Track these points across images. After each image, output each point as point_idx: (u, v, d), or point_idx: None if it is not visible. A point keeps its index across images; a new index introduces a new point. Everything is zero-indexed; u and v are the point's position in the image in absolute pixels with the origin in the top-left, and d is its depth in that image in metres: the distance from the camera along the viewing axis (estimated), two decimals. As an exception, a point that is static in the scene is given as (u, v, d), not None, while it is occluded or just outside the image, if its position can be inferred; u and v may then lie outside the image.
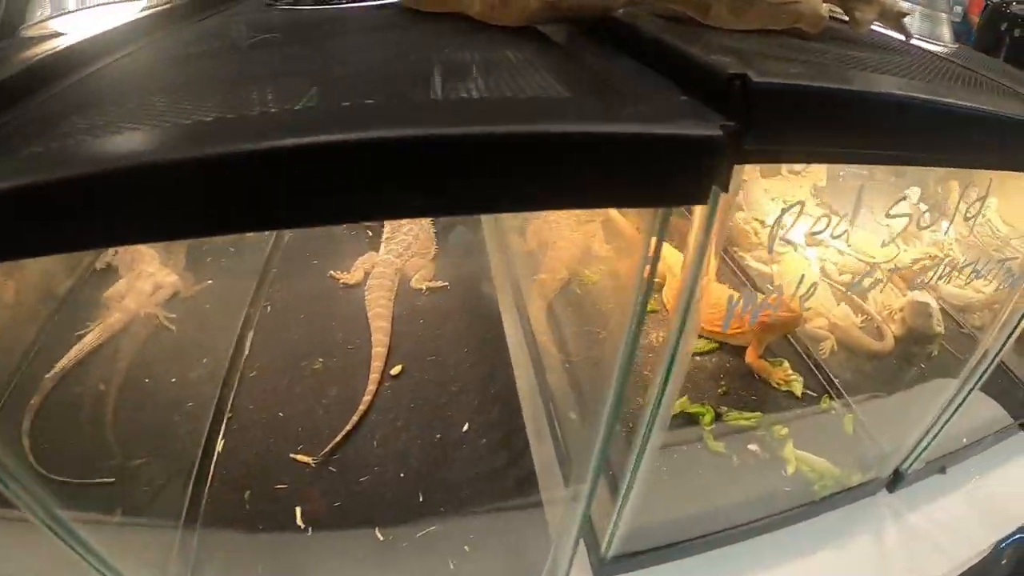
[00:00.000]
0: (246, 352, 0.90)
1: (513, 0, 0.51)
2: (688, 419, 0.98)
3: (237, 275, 1.05)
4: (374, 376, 0.78)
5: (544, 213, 1.07)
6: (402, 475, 0.72)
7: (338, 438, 0.74)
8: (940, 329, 1.13)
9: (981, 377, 0.85)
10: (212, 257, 1.05)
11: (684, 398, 1.01)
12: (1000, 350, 0.83)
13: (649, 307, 1.31)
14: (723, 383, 1.04)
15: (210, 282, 0.98)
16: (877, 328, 1.19)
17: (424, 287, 0.98)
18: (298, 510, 0.67)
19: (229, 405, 0.82)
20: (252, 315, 0.95)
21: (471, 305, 1.02)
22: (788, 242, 1.29)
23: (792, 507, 0.86)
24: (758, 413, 0.98)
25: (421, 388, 0.82)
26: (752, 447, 0.94)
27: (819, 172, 1.50)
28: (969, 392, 0.86)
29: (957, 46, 0.86)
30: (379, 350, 0.80)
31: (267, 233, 1.11)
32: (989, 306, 1.25)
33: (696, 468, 0.91)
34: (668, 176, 0.34)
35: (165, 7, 0.67)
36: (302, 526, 0.67)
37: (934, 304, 1.15)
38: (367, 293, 0.94)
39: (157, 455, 0.71)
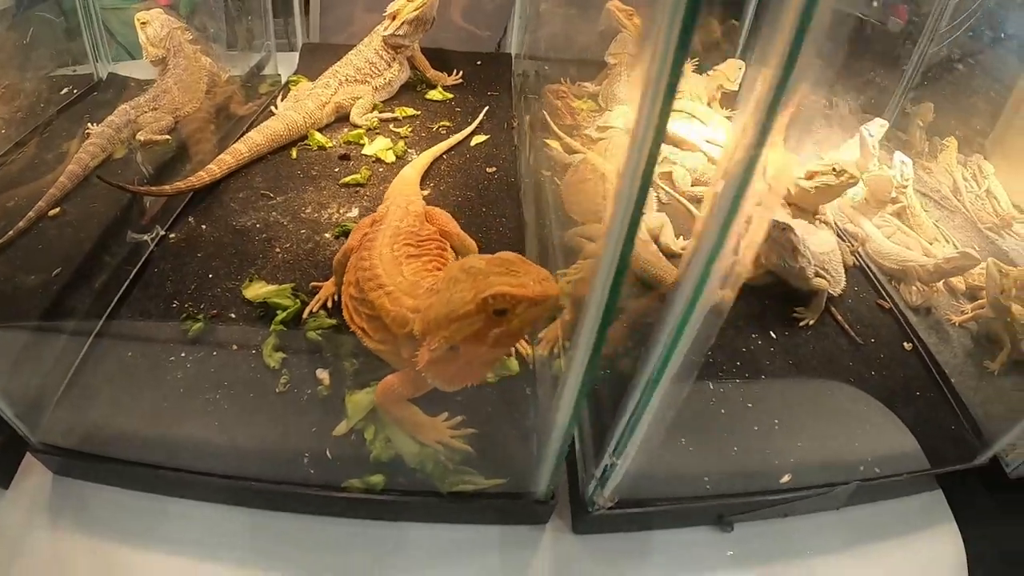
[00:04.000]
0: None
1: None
2: (268, 314, 0.62)
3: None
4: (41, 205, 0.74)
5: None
6: None
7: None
8: (807, 269, 0.70)
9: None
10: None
11: (288, 285, 0.64)
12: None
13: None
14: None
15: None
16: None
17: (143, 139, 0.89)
18: None
19: None
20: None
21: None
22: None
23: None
24: (333, 320, 0.61)
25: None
26: (322, 374, 0.57)
27: (729, 69, 1.04)
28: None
29: None
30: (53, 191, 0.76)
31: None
32: (939, 278, 0.77)
33: (217, 380, 0.55)
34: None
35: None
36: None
37: (800, 233, 0.71)
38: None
39: None
